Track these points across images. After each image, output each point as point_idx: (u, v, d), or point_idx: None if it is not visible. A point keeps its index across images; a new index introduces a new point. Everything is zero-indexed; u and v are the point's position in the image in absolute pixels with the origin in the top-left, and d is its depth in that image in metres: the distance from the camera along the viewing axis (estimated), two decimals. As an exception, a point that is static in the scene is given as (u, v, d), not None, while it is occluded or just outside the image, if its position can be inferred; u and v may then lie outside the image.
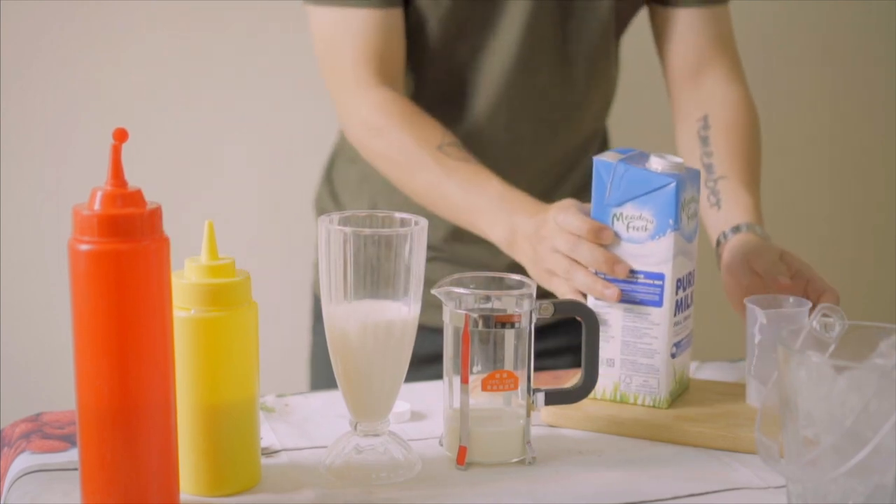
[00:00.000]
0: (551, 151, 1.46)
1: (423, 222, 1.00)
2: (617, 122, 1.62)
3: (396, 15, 1.37)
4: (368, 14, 1.35)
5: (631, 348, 1.13)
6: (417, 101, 1.40)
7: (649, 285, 1.11)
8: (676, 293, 1.12)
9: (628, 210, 1.11)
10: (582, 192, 1.46)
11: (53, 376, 1.99)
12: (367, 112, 1.37)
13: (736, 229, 1.26)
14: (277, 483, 0.99)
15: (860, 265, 2.53)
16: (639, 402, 1.14)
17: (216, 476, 0.96)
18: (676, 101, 1.46)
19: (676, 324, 1.13)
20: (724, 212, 1.30)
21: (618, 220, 1.12)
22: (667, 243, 1.10)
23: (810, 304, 1.13)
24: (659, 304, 1.11)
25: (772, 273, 1.20)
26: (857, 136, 2.48)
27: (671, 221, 1.10)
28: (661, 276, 1.11)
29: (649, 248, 1.11)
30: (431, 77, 1.43)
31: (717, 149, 1.36)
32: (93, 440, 0.88)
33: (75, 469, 0.93)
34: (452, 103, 1.43)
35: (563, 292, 1.17)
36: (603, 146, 1.54)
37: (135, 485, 0.88)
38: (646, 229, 1.11)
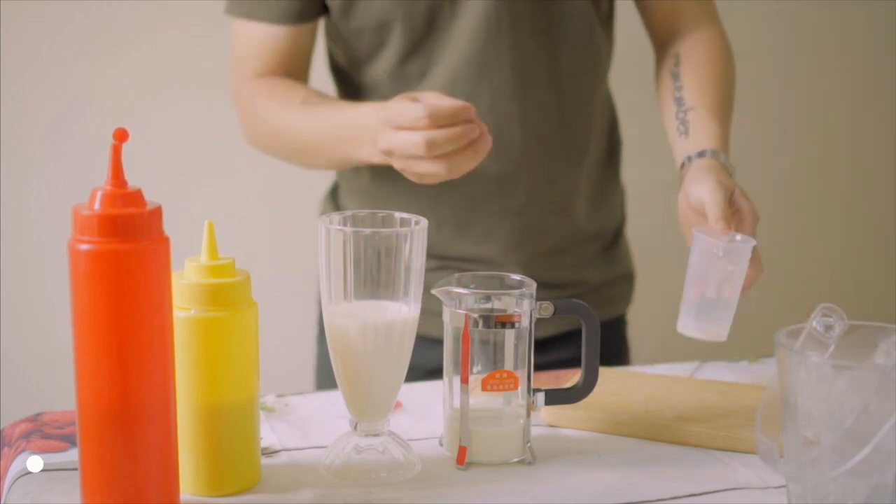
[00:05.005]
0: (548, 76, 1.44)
1: (424, 222, 1.00)
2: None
3: (304, 30, 1.43)
4: (277, 28, 1.42)
5: None
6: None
7: None
8: None
9: None
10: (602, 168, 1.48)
11: (53, 376, 1.99)
12: (246, 93, 1.45)
13: (701, 154, 1.27)
14: (277, 483, 0.99)
15: (861, 265, 2.53)
16: None
17: (216, 476, 0.96)
18: (657, 51, 1.48)
19: None
20: (692, 139, 1.31)
21: None
22: None
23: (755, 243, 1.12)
24: None
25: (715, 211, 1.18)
26: (860, 136, 2.48)
27: None
28: None
29: None
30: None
31: (687, 83, 1.38)
32: (93, 440, 0.88)
33: (75, 469, 0.93)
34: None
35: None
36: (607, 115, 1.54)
37: (134, 485, 0.88)
38: None
